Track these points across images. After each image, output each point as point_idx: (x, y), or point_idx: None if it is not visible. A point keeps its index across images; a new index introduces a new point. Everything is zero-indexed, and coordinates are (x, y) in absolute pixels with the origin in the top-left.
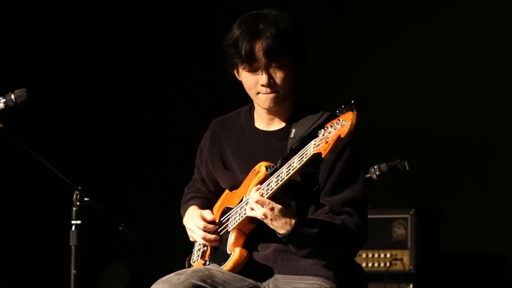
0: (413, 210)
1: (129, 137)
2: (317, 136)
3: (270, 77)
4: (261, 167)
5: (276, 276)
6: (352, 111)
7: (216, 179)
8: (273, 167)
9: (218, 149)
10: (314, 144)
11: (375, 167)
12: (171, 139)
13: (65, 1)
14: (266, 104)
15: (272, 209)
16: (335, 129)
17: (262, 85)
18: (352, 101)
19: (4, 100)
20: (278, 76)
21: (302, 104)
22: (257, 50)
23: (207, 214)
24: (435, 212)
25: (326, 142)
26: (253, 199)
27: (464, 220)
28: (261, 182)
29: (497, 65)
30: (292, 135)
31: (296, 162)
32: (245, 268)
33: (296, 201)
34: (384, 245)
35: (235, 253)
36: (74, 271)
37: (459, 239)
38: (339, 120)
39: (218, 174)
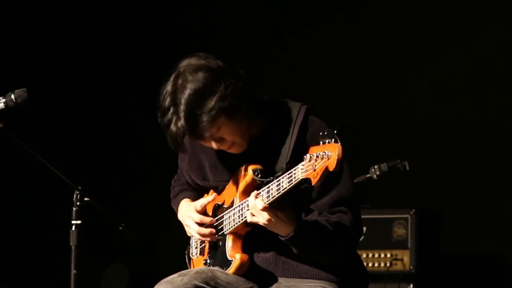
0: (413, 210)
1: (129, 136)
2: (303, 159)
3: (217, 142)
4: (248, 171)
5: (279, 279)
6: (337, 142)
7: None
8: (260, 170)
9: (197, 161)
10: (302, 168)
11: (375, 167)
12: None
13: (65, 1)
14: (233, 152)
15: (276, 215)
16: (321, 159)
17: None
18: (335, 131)
19: (4, 100)
20: (222, 135)
21: (271, 114)
22: (188, 137)
23: (203, 200)
24: (435, 212)
25: (314, 170)
26: (256, 207)
27: (464, 220)
28: (249, 186)
29: (497, 65)
30: (271, 145)
31: (285, 183)
32: (247, 272)
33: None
34: (384, 245)
35: (236, 260)
36: (74, 271)
37: (459, 239)
38: (324, 152)
39: (200, 184)
